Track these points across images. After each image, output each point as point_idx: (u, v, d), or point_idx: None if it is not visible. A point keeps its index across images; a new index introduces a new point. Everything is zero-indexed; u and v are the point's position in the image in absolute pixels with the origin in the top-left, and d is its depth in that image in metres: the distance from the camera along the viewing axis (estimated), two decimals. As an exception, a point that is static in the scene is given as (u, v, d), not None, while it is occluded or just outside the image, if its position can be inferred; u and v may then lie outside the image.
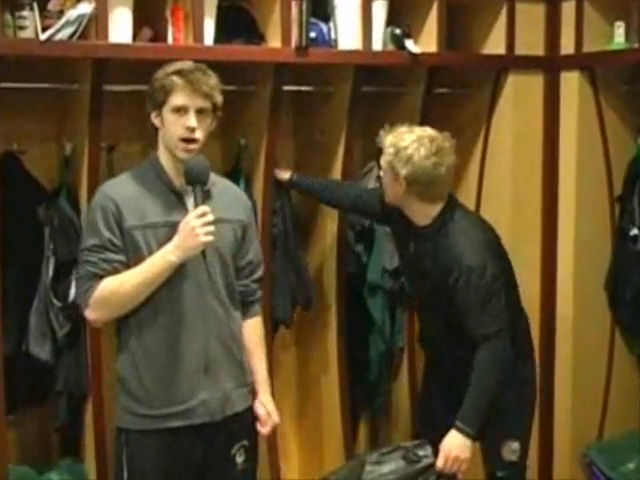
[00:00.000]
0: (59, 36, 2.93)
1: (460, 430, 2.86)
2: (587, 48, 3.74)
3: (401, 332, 3.87)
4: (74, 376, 3.23)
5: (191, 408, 2.61)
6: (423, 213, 2.98)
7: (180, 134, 2.55)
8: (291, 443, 3.96)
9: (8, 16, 2.94)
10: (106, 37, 3.01)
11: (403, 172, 2.89)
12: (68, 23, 2.93)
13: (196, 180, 2.56)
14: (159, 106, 2.58)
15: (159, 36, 3.21)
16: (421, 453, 3.18)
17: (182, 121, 2.54)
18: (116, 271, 2.56)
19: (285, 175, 3.53)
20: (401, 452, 3.22)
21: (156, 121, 2.60)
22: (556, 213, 3.93)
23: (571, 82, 3.81)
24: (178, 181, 2.62)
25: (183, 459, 2.62)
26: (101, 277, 2.55)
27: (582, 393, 3.92)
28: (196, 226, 2.49)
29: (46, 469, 3.32)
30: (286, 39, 3.32)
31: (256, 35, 3.43)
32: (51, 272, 3.18)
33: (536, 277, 3.95)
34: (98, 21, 2.99)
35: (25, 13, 2.94)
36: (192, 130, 2.55)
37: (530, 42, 3.81)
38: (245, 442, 2.73)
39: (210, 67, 3.22)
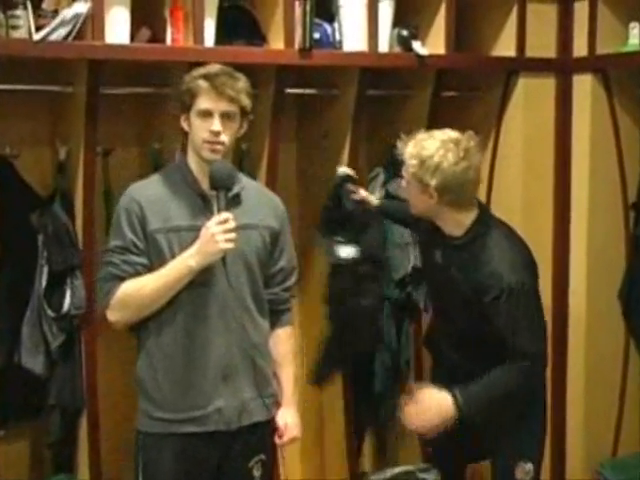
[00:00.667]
0: (54, 36, 2.93)
1: (455, 398, 2.76)
2: (600, 50, 3.73)
3: (408, 344, 3.85)
4: (68, 389, 3.22)
5: (206, 415, 2.65)
6: (456, 222, 2.88)
7: (205, 137, 2.62)
8: (293, 458, 3.93)
9: (0, 15, 2.92)
10: (102, 37, 3.02)
11: (433, 182, 2.78)
12: (63, 23, 2.93)
13: (220, 184, 2.61)
14: (187, 109, 2.64)
15: (157, 37, 3.21)
16: (427, 477, 3.16)
17: (207, 125, 2.60)
18: (138, 274, 2.61)
19: (374, 201, 3.45)
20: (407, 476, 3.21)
21: (185, 124, 2.67)
22: (568, 220, 3.92)
23: (584, 85, 3.81)
24: (205, 185, 2.66)
25: (198, 465, 2.66)
26: (122, 279, 2.61)
27: (595, 407, 3.90)
28: (216, 232, 2.54)
29: (39, 486, 3.31)
30: (289, 40, 3.32)
31: (258, 36, 3.43)
32: (44, 281, 3.17)
33: (547, 286, 3.91)
34: (94, 21, 2.99)
35: (18, 12, 2.93)
36: (217, 134, 2.60)
37: (541, 44, 3.81)
38: (262, 456, 2.76)
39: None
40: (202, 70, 2.65)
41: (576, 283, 3.91)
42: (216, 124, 2.59)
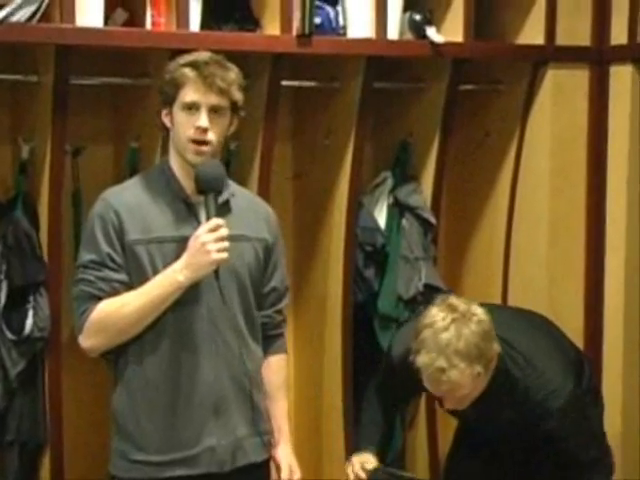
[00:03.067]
0: (16, 17, 2.91)
1: None
2: (642, 38, 3.76)
3: (418, 372, 3.83)
4: (29, 423, 3.19)
5: (196, 455, 2.61)
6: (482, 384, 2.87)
7: (190, 135, 2.58)
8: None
9: (-47, -7, 2.92)
10: (72, 20, 3.00)
11: (495, 349, 2.78)
12: (26, 2, 2.91)
13: (209, 188, 2.59)
14: (169, 103, 2.60)
15: (135, 20, 3.20)
16: None
17: (193, 120, 2.57)
18: (116, 292, 2.58)
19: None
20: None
21: (166, 120, 2.63)
22: (603, 231, 3.93)
23: (622, 77, 3.81)
24: (190, 190, 2.63)
25: None
26: (99, 298, 2.57)
27: (633, 438, 3.90)
28: (207, 241, 2.51)
29: (-5, 534, 3.28)
30: (286, 25, 3.32)
31: (250, 20, 3.42)
32: (3, 299, 3.14)
33: (579, 309, 3.95)
34: (63, 0, 2.96)
35: (-27, -11, 2.92)
36: (203, 131, 2.57)
37: (574, 30, 3.82)
38: None
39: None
40: (189, 57, 2.61)
41: (612, 305, 3.91)
42: (203, 119, 2.56)
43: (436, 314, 2.75)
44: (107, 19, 3.12)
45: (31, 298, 3.16)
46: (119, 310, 2.56)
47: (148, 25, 3.17)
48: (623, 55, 3.78)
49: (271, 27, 3.35)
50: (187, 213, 2.62)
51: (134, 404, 2.61)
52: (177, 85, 2.57)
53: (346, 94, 3.59)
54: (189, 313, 2.59)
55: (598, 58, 3.85)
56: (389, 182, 3.81)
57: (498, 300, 3.91)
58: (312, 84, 3.63)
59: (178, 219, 2.61)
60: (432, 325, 2.72)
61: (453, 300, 2.80)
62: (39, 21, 2.94)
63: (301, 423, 3.92)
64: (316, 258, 3.80)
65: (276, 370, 2.84)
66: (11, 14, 2.89)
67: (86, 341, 2.60)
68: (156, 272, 2.56)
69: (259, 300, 2.75)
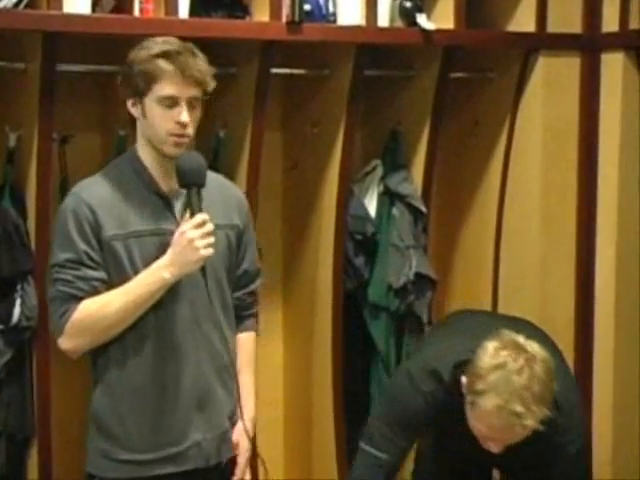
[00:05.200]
0: (2, 4, 2.91)
1: None
2: (634, 25, 3.73)
3: (408, 362, 3.83)
4: (16, 414, 3.19)
5: (183, 451, 2.59)
6: None
7: (170, 129, 2.51)
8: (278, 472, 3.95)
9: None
10: (60, 6, 2.99)
11: (548, 412, 2.65)
12: (13, -12, 2.92)
13: (192, 181, 2.53)
14: (139, 94, 2.51)
15: (123, 6, 3.18)
16: None
17: (172, 114, 2.49)
18: (96, 291, 2.50)
19: None
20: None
21: (133, 110, 2.54)
22: (594, 222, 3.93)
23: (614, 65, 3.81)
24: (164, 182, 2.58)
25: None
26: (79, 299, 2.49)
27: (625, 431, 3.91)
28: (195, 238, 2.46)
29: (-19, 526, 3.28)
30: (275, 12, 3.31)
31: (239, 7, 3.41)
32: (-10, 288, 3.15)
33: (570, 298, 3.95)
34: (50, -13, 2.97)
35: (-42, -26, 2.91)
36: (184, 125, 2.51)
37: (565, 18, 3.82)
38: None
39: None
40: (157, 47, 2.50)
41: (603, 296, 3.92)
42: (184, 115, 2.48)
43: (503, 353, 2.63)
44: (95, 6, 3.10)
45: (19, 287, 3.15)
46: (102, 310, 2.49)
47: (136, 12, 3.14)
48: (615, 42, 3.78)
49: (260, 14, 3.34)
50: (162, 205, 2.56)
51: (117, 405, 2.56)
52: (152, 78, 2.47)
53: (336, 82, 3.58)
54: (171, 312, 2.55)
55: (590, 45, 3.85)
56: (379, 170, 3.81)
57: (489, 289, 3.92)
58: (302, 72, 3.63)
59: (154, 212, 2.55)
60: (503, 367, 2.60)
61: (516, 338, 2.67)
62: (26, 7, 2.92)
63: (291, 411, 3.96)
64: (306, 246, 3.80)
65: (245, 345, 2.79)
66: (-3, 1, 2.89)
67: (67, 342, 2.53)
68: (135, 268, 2.51)
69: (231, 283, 2.71)
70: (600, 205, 3.91)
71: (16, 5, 2.90)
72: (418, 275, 3.73)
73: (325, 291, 3.69)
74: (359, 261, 3.74)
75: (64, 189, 3.33)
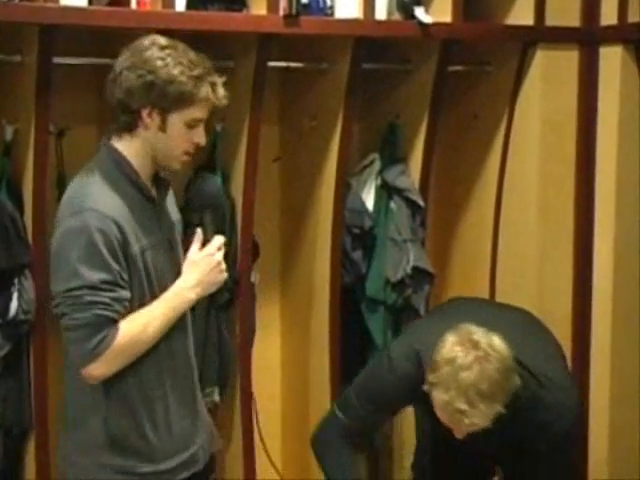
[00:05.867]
0: (-2, -4, 2.89)
1: None
2: (633, 18, 3.72)
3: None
4: (13, 408, 3.19)
5: (194, 454, 2.61)
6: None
7: (186, 148, 2.49)
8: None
9: None
10: (56, -1, 2.98)
11: (499, 408, 2.68)
12: (10, -19, 2.90)
13: (212, 205, 2.65)
14: (165, 109, 2.43)
15: (120, -1, 3.18)
16: None
17: (192, 135, 2.47)
18: (126, 312, 2.42)
19: None
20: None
21: (149, 120, 2.43)
22: (593, 214, 3.93)
23: (612, 58, 3.80)
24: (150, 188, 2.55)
25: None
26: (115, 322, 2.39)
27: (622, 424, 3.91)
28: (221, 260, 2.53)
29: (-21, 520, 3.28)
30: (273, 5, 3.30)
31: (236, 0, 3.39)
32: (-13, 282, 3.14)
33: (568, 291, 3.96)
34: (47, -21, 2.96)
35: (-47, -33, 2.90)
36: (199, 146, 2.50)
37: (564, 11, 3.80)
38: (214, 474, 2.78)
39: (182, 38, 3.18)
40: (200, 70, 2.43)
41: (601, 288, 3.92)
42: (203, 136, 2.49)
43: (456, 348, 2.66)
44: (92, -2, 3.10)
45: (16, 281, 3.14)
46: (143, 332, 2.43)
47: (133, 5, 3.14)
48: (613, 36, 3.77)
49: (257, 7, 3.34)
50: (153, 212, 2.52)
51: (136, 417, 2.49)
52: (189, 100, 2.42)
53: (333, 75, 3.58)
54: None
55: (588, 39, 3.84)
56: (377, 164, 3.81)
57: (486, 283, 3.93)
58: (299, 65, 3.62)
59: (151, 220, 2.51)
60: (453, 362, 2.63)
61: (473, 333, 2.70)
62: (22, 0, 2.91)
63: (288, 406, 3.97)
64: (303, 241, 3.81)
65: None
66: (-7, -7, 2.87)
67: (102, 369, 2.40)
68: (149, 279, 2.46)
69: None
70: (598, 198, 3.91)
71: (12, -3, 2.90)
72: (416, 269, 3.73)
73: (322, 285, 3.69)
74: (357, 255, 3.73)
75: (61, 182, 3.33)
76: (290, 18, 3.29)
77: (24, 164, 3.17)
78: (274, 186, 3.88)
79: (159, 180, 2.57)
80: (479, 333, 2.70)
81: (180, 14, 3.18)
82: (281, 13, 3.29)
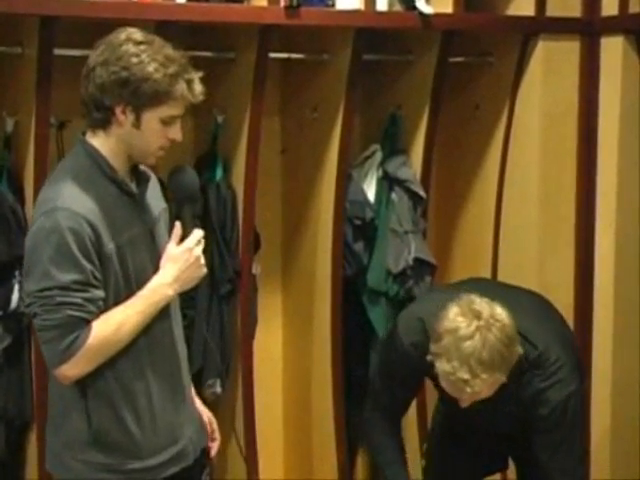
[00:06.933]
0: (-1, -12, 2.89)
1: None
2: (633, 9, 3.72)
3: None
4: (15, 399, 3.21)
5: (182, 449, 2.57)
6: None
7: (162, 144, 2.45)
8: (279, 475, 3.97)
9: None
10: (57, -10, 2.98)
11: (501, 376, 2.72)
12: (10, -27, 2.90)
13: (189, 197, 2.56)
14: (138, 106, 2.39)
15: (121, -11, 3.17)
16: None
17: (167, 131, 2.43)
18: (99, 311, 2.38)
19: None
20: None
21: (122, 117, 2.39)
22: (594, 206, 3.93)
23: (614, 49, 3.80)
24: (129, 181, 2.52)
25: None
26: (88, 322, 2.35)
27: (623, 419, 3.92)
28: (200, 255, 2.49)
29: (-19, 510, 3.30)
30: (274, -4, 3.32)
31: (237, -9, 3.41)
32: (-11, 274, 3.15)
33: (569, 282, 3.96)
34: (47, -30, 2.96)
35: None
36: (174, 142, 2.47)
37: (565, 1, 3.80)
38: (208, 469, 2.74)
39: (183, 29, 3.18)
40: (172, 66, 2.38)
41: (602, 278, 3.92)
42: (179, 133, 2.45)
43: (459, 319, 2.68)
44: (92, -10, 3.10)
45: (17, 273, 3.14)
46: (117, 332, 2.39)
47: (133, -5, 3.15)
48: (614, 26, 3.77)
49: (259, -2, 3.35)
50: (133, 206, 2.47)
51: (116, 411, 2.45)
52: (164, 98, 2.38)
53: (335, 66, 3.59)
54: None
55: (589, 29, 3.83)
56: (378, 155, 3.81)
57: (488, 274, 3.93)
58: (300, 56, 3.63)
59: (131, 215, 2.46)
60: (455, 332, 2.66)
61: (476, 303, 2.72)
62: (22, -9, 2.92)
63: (290, 397, 3.98)
64: (305, 232, 3.81)
65: None
66: (-6, -15, 2.87)
67: (73, 370, 2.37)
68: (127, 277, 2.42)
69: None
70: (599, 190, 3.91)
71: (13, -11, 2.90)
72: (417, 260, 3.73)
73: (324, 277, 3.70)
74: (358, 246, 3.74)
75: (62, 174, 3.34)
76: (291, 9, 3.30)
77: (25, 156, 3.17)
78: (275, 177, 3.89)
79: (138, 173, 2.53)
80: (482, 303, 2.73)
81: (181, 5, 3.19)
82: (282, 4, 3.30)
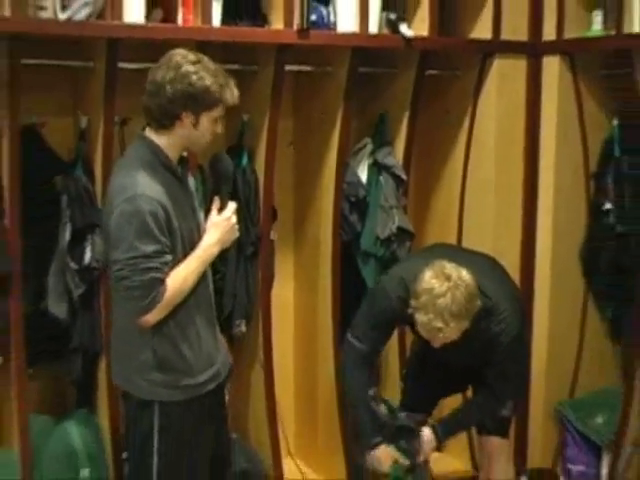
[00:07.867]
0: (77, 16, 2.92)
1: (436, 435, 3.05)
2: (567, 35, 3.70)
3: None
4: (88, 334, 3.23)
5: (218, 368, 2.63)
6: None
7: (209, 139, 2.55)
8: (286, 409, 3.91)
9: (28, -4, 2.90)
10: (120, 17, 3.01)
11: (466, 324, 2.80)
12: (85, 4, 2.92)
13: (227, 178, 2.66)
14: (199, 111, 2.46)
15: (169, 16, 3.19)
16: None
17: (214, 128, 2.52)
18: (169, 270, 2.45)
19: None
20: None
21: (187, 120, 2.45)
22: (536, 191, 3.88)
23: (552, 67, 3.76)
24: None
25: (212, 418, 2.64)
26: (164, 280, 2.43)
27: (556, 354, 3.91)
28: (235, 222, 2.59)
29: (62, 419, 3.32)
30: (288, 21, 3.30)
31: (260, 17, 3.41)
32: (67, 237, 3.15)
33: (517, 248, 3.91)
34: (113, 2, 2.98)
35: (44, -6, 2.89)
36: (216, 135, 2.57)
37: (515, 27, 3.74)
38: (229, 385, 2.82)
39: (216, 47, 3.20)
40: (220, 76, 2.46)
41: (542, 248, 3.89)
42: (222, 127, 2.57)
43: (433, 280, 2.75)
44: (147, 17, 3.12)
45: (89, 237, 3.17)
46: (182, 286, 2.46)
47: (179, 21, 3.17)
48: (553, 48, 3.74)
49: (277, 23, 3.34)
50: (181, 188, 2.54)
51: (176, 344, 2.51)
52: (216, 103, 2.46)
53: (336, 77, 3.57)
54: None
55: (533, 51, 3.79)
56: (369, 147, 3.79)
57: (454, 240, 3.90)
58: (309, 69, 3.61)
59: (182, 194, 2.53)
60: (431, 291, 2.73)
61: (446, 268, 2.78)
62: (95, 19, 2.96)
63: (299, 334, 3.95)
64: (311, 208, 3.80)
65: None
66: (74, 14, 2.91)
67: (155, 317, 2.44)
68: (183, 242, 2.49)
69: None
70: (540, 179, 3.86)
71: (87, 17, 2.93)
72: (400, 229, 3.72)
73: (326, 242, 3.69)
74: (353, 218, 3.72)
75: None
76: (302, 31, 3.30)
77: (95, 146, 3.20)
78: (289, 165, 3.87)
79: (182, 160, 2.59)
80: (451, 268, 2.79)
81: (217, 29, 3.21)
82: (295, 28, 3.30)
